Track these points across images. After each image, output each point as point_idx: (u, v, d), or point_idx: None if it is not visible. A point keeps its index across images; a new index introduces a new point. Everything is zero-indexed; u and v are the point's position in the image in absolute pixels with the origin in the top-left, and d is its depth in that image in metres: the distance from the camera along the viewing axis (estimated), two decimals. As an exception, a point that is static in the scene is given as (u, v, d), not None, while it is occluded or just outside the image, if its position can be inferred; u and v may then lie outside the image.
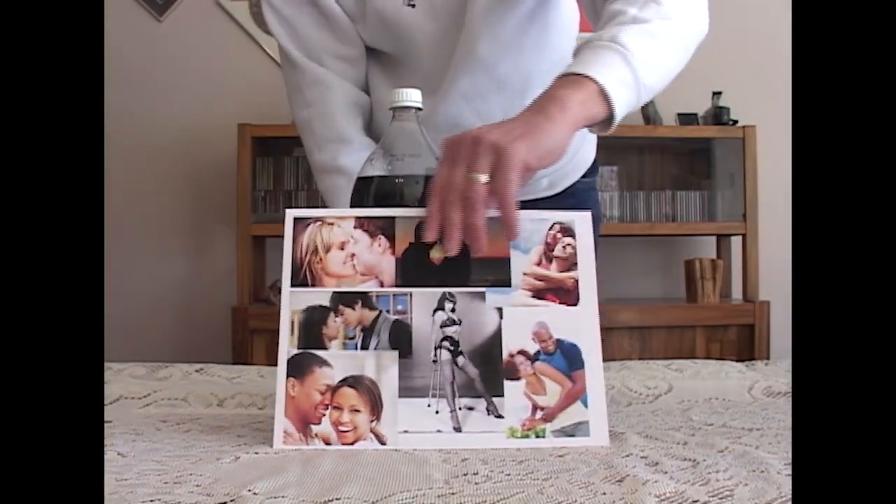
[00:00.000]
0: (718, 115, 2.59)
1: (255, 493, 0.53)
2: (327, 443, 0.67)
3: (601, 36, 0.76)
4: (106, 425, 0.77)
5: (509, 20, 0.95)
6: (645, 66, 0.75)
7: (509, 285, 0.71)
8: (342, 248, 0.72)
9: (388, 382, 0.68)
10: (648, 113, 2.59)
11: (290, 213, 0.73)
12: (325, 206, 1.03)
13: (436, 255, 0.71)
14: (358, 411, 0.68)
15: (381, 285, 0.71)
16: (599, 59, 0.74)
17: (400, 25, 0.95)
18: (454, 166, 0.68)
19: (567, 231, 0.73)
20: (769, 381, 1.00)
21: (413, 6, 0.94)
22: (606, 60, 0.74)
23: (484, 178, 0.66)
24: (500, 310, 0.70)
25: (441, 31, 0.95)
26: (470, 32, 0.94)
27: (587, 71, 0.72)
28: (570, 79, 0.73)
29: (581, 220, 0.74)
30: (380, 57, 1.02)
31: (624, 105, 0.73)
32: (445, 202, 0.67)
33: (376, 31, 0.97)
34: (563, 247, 0.72)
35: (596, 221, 1.11)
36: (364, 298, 0.70)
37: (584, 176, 1.16)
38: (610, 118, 0.74)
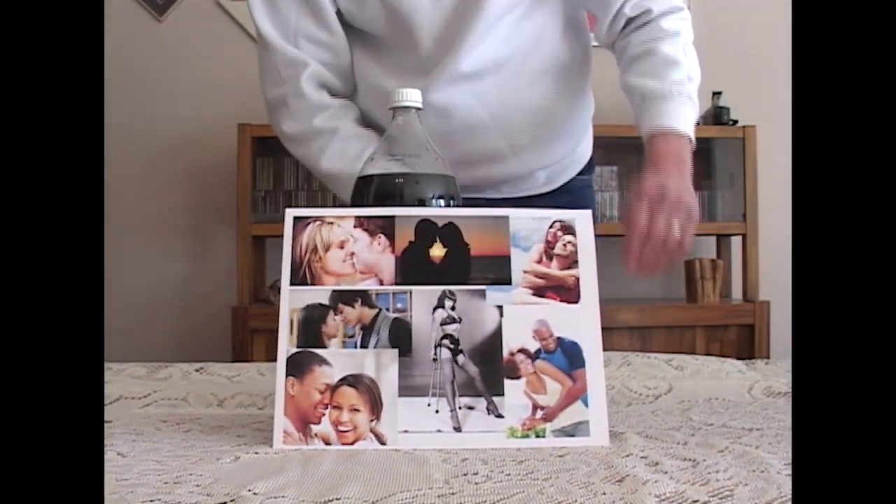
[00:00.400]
0: (718, 115, 2.59)
1: (255, 493, 0.53)
2: (327, 442, 0.67)
3: (680, 87, 0.95)
4: (106, 425, 0.77)
5: (517, 7, 0.96)
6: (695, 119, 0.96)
7: (510, 283, 0.71)
8: (342, 247, 0.72)
9: (388, 381, 0.68)
10: (648, 113, 2.58)
11: (290, 213, 0.73)
12: (323, 204, 1.04)
13: (435, 252, 0.71)
14: (358, 410, 0.67)
15: (381, 284, 0.71)
16: (689, 117, 0.95)
17: (401, 6, 0.95)
18: (662, 219, 0.84)
19: (568, 229, 0.73)
20: (769, 381, 1.00)
21: None
22: (691, 117, 0.95)
23: (678, 229, 0.84)
24: (500, 308, 0.70)
25: (441, 11, 0.95)
26: (478, 15, 0.94)
27: (689, 130, 0.94)
28: (683, 139, 0.94)
29: (582, 219, 0.74)
30: (371, 41, 1.02)
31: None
32: (652, 246, 0.83)
33: (376, 12, 0.97)
34: (564, 245, 0.72)
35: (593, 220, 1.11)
36: (364, 296, 0.70)
37: (580, 173, 1.16)
38: None
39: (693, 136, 0.94)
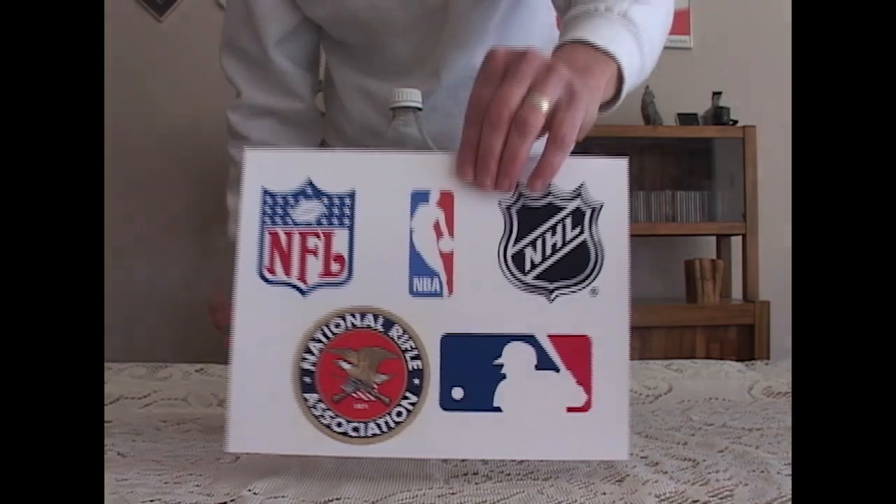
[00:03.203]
0: (718, 115, 2.59)
1: (255, 493, 0.53)
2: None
3: (610, 7, 0.70)
4: (106, 425, 0.77)
5: (495, 6, 0.94)
6: (649, 54, 0.72)
7: None
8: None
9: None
10: (648, 113, 2.58)
11: None
12: None
13: None
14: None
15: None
16: (620, 38, 0.67)
17: (373, 13, 0.93)
18: (512, 84, 0.56)
19: None
20: (769, 381, 1.00)
21: None
22: (626, 42, 0.68)
23: (547, 106, 0.56)
24: None
25: (413, 19, 0.93)
26: (454, 25, 0.93)
27: (614, 49, 0.66)
28: (597, 54, 0.65)
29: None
30: (349, 48, 1.00)
31: (625, 93, 0.69)
32: (489, 122, 0.56)
33: (344, 21, 0.95)
34: None
35: None
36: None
37: None
38: (607, 103, 0.69)
39: (622, 62, 0.65)
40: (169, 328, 2.68)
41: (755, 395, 0.96)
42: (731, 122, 2.59)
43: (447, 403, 0.57)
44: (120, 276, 2.58)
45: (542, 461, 0.61)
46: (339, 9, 0.93)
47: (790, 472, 0.56)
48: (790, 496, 0.51)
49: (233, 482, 0.55)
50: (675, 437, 0.70)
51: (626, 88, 0.68)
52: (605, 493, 0.53)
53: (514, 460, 0.62)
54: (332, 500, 0.52)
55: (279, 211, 0.59)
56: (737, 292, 2.68)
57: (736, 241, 2.66)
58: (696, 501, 0.51)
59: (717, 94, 2.61)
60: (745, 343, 2.47)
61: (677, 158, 2.76)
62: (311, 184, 0.59)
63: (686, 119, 2.61)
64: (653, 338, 2.42)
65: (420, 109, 0.80)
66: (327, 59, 1.05)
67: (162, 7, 2.69)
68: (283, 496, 0.52)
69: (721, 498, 0.52)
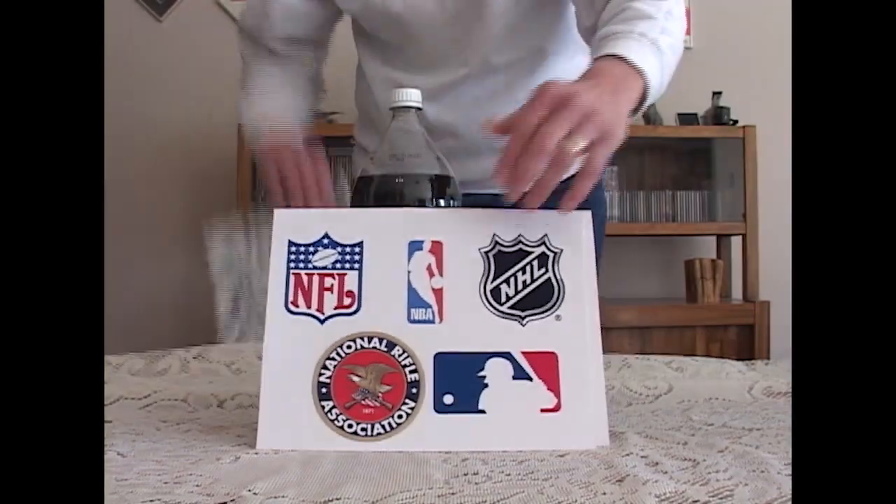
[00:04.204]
0: (718, 115, 2.59)
1: (255, 493, 0.53)
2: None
3: (645, 32, 0.79)
4: (106, 425, 0.77)
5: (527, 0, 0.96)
6: (666, 76, 0.81)
7: None
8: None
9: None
10: (648, 113, 2.58)
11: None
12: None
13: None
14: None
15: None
16: (649, 60, 0.77)
17: (405, 9, 0.95)
18: (556, 123, 0.66)
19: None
20: (769, 381, 1.00)
21: None
22: (653, 64, 0.77)
23: (583, 145, 0.67)
24: None
25: (446, 14, 0.95)
26: (486, 20, 0.94)
27: (645, 68, 0.76)
28: (631, 70, 0.75)
29: (581, 219, 0.74)
30: (379, 42, 1.03)
31: (644, 108, 0.78)
32: (531, 151, 0.66)
33: (376, 15, 0.97)
34: None
35: (601, 223, 1.08)
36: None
37: None
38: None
39: (650, 81, 0.76)
40: (169, 328, 2.68)
41: (755, 395, 0.96)
42: (731, 122, 2.59)
43: (440, 407, 0.66)
44: (120, 277, 2.58)
45: (541, 461, 0.61)
46: (371, 2, 0.96)
47: (790, 472, 0.56)
48: (790, 496, 0.51)
49: (233, 482, 0.55)
50: (675, 437, 0.70)
51: (647, 103, 0.77)
52: (605, 493, 0.53)
53: (514, 460, 0.62)
54: (332, 500, 0.52)
55: (301, 258, 0.70)
56: (737, 292, 2.68)
57: (736, 241, 2.66)
58: (696, 501, 0.51)
59: (717, 94, 2.61)
60: (745, 343, 2.47)
61: (677, 158, 2.76)
62: (327, 236, 0.70)
63: (686, 119, 2.61)
64: (653, 338, 2.42)
65: (420, 109, 0.80)
66: (359, 51, 1.08)
67: (162, 7, 2.69)
68: (283, 496, 0.52)
69: (721, 498, 0.52)
